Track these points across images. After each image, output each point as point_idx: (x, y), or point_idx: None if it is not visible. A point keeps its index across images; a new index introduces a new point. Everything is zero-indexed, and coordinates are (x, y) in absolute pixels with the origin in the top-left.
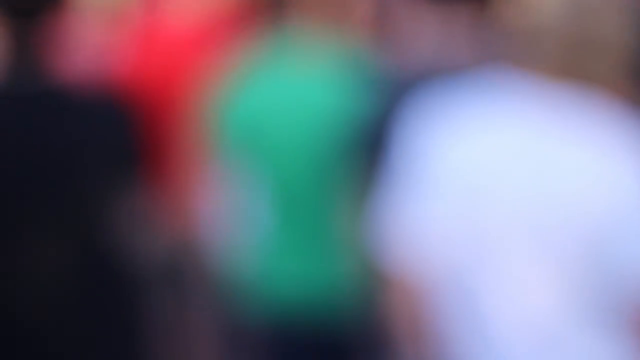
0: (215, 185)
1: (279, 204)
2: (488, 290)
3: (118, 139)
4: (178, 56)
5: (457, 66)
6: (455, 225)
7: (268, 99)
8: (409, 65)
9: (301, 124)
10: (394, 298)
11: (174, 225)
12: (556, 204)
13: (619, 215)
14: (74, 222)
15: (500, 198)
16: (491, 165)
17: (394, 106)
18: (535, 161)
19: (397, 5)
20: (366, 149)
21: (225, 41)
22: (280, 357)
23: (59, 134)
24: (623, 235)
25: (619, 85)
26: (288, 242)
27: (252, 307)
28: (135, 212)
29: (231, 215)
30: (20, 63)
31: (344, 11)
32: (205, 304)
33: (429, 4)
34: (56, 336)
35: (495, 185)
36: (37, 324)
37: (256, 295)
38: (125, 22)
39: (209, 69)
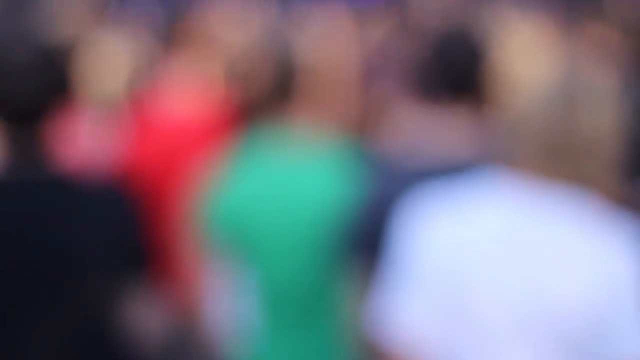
0: (211, 276)
1: (270, 296)
2: None
3: (121, 227)
4: (176, 149)
5: (451, 160)
6: (444, 313)
7: (255, 194)
8: (401, 158)
9: (289, 217)
10: None
11: (174, 312)
12: (542, 295)
13: (606, 307)
14: (76, 312)
15: (488, 288)
16: (479, 255)
17: (386, 198)
18: (523, 253)
19: (394, 100)
20: (355, 241)
21: (218, 135)
22: None
23: (60, 222)
24: (609, 328)
25: (608, 182)
26: (278, 334)
27: None
28: (139, 299)
29: (226, 306)
30: (20, 159)
31: (336, 106)
32: None
33: (425, 100)
34: None
35: (482, 276)
36: None
37: None
38: (124, 114)
39: (201, 163)
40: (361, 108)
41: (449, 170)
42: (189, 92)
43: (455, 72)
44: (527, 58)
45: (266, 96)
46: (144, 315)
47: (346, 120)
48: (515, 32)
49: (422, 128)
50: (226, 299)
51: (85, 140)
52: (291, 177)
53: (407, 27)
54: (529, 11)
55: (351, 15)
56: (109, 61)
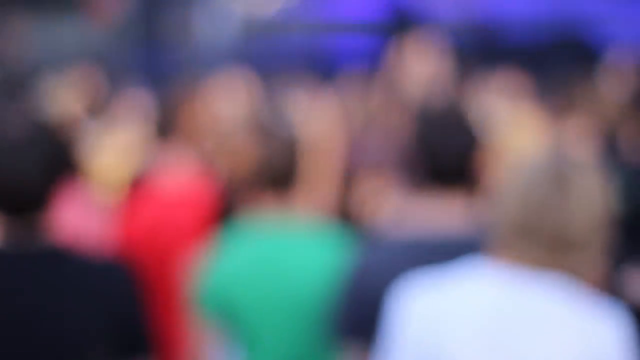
0: (206, 350)
1: None
2: None
3: (120, 301)
4: (170, 227)
5: (440, 238)
6: None
7: (245, 271)
8: (390, 236)
9: (278, 294)
10: None
11: None
12: None
13: None
14: None
15: None
16: (463, 330)
17: (375, 275)
18: (507, 328)
19: (382, 180)
20: (344, 316)
21: (212, 213)
22: None
23: (59, 295)
24: None
25: (594, 269)
26: None
27: None
28: None
29: None
30: (19, 239)
31: (326, 185)
32: None
33: (425, 185)
34: None
35: (466, 351)
36: None
37: None
38: (121, 193)
39: (196, 240)
40: (348, 187)
41: (438, 248)
42: (183, 172)
43: (445, 166)
44: (516, 141)
45: (264, 174)
46: None
47: (335, 198)
48: (504, 116)
49: (411, 208)
50: None
51: (82, 217)
52: (280, 254)
53: (393, 100)
54: (519, 93)
55: (335, 88)
56: (105, 143)
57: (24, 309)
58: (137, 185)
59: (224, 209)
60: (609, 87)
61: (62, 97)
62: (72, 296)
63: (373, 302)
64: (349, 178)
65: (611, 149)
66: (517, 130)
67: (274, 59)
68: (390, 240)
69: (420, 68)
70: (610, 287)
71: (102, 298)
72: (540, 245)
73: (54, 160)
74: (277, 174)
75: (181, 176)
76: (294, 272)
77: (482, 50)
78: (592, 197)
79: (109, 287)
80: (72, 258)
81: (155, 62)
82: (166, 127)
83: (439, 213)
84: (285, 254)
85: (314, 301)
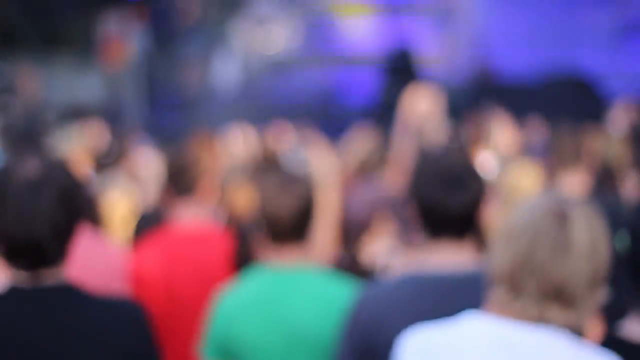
0: None
1: None
2: None
3: (134, 338)
4: (184, 270)
5: (444, 276)
6: None
7: (245, 313)
8: (392, 276)
9: (279, 334)
10: None
11: None
12: None
13: None
14: None
15: None
16: None
17: (373, 314)
18: None
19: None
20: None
21: (227, 255)
22: None
23: (72, 331)
24: None
25: (589, 323)
26: None
27: None
28: None
29: None
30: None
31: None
32: None
33: (430, 236)
34: None
35: None
36: None
37: None
38: (135, 239)
39: (208, 283)
40: (351, 237)
41: (440, 284)
42: (195, 219)
43: (448, 221)
44: (518, 187)
45: (266, 226)
46: None
47: (336, 248)
48: (505, 162)
49: (416, 258)
50: None
51: (95, 259)
52: (283, 295)
53: (409, 144)
54: (521, 139)
55: (342, 139)
56: (115, 194)
57: (36, 347)
58: (149, 232)
59: (235, 256)
60: (613, 129)
61: (71, 149)
62: (85, 335)
63: (373, 341)
64: (352, 228)
65: (612, 192)
66: (519, 176)
67: (280, 107)
68: (392, 279)
69: (424, 108)
70: (608, 330)
71: (115, 337)
72: (538, 298)
73: (69, 213)
74: (280, 226)
75: (193, 223)
76: (297, 312)
77: (483, 94)
78: (593, 250)
79: (122, 325)
80: (84, 297)
81: (166, 111)
82: (179, 177)
83: (444, 261)
84: (289, 294)
85: (318, 341)
